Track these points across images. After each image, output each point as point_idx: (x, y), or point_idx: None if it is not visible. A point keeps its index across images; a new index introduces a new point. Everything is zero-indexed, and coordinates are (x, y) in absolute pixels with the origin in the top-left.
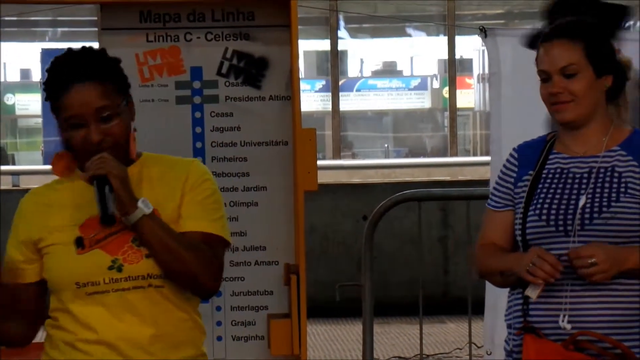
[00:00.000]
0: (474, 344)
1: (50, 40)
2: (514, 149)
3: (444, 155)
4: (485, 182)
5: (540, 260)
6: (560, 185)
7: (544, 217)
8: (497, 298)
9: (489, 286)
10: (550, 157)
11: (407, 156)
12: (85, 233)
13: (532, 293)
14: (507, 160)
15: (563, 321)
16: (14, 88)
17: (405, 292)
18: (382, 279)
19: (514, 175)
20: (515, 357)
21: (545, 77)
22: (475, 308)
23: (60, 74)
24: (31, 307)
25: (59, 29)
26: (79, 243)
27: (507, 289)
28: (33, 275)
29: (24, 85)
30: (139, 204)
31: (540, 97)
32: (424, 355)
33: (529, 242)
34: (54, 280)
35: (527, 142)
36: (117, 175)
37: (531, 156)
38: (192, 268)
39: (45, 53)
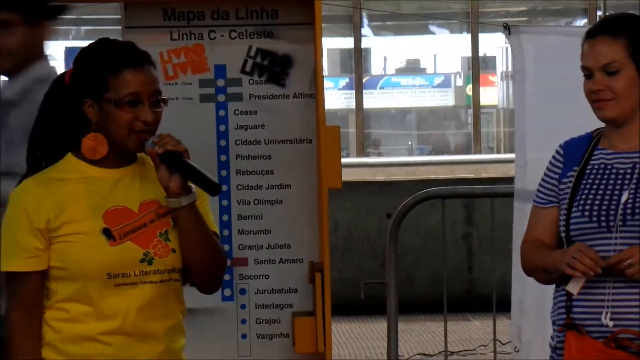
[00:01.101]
0: (499, 341)
1: (74, 38)
2: (560, 146)
3: (468, 152)
4: (509, 180)
5: (580, 254)
6: (604, 181)
7: (586, 213)
8: (523, 296)
9: (515, 284)
10: (595, 153)
11: (430, 154)
12: (111, 224)
13: (573, 288)
14: (553, 157)
15: (605, 318)
16: None
17: (429, 290)
18: (406, 276)
19: (559, 171)
20: (559, 353)
21: (587, 73)
22: (499, 305)
23: (116, 54)
24: (35, 296)
25: (83, 28)
26: (108, 234)
27: (533, 286)
28: (44, 263)
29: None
30: (192, 188)
31: (584, 93)
32: (448, 352)
33: (573, 239)
34: (79, 270)
35: (573, 138)
36: (187, 154)
37: (576, 152)
38: (217, 263)
39: (69, 51)
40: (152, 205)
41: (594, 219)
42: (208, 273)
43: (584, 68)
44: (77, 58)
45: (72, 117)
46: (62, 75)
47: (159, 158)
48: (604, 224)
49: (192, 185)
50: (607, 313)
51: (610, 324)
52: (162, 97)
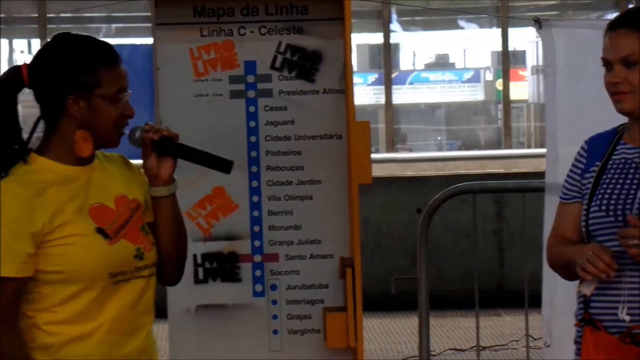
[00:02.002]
0: (531, 336)
1: (105, 36)
2: (585, 141)
3: (498, 147)
4: (540, 175)
5: (594, 257)
6: (623, 176)
7: (603, 208)
8: (553, 291)
9: (545, 279)
10: (618, 147)
11: (460, 149)
12: (100, 223)
13: (586, 289)
14: (578, 152)
15: (622, 312)
16: None
17: (459, 285)
18: (436, 272)
19: (582, 166)
20: (578, 347)
21: (607, 65)
22: (531, 301)
23: (103, 51)
24: (17, 301)
25: (113, 25)
26: (104, 233)
27: (564, 282)
28: (32, 270)
29: None
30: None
31: (604, 85)
32: (480, 347)
33: (592, 234)
34: (81, 272)
35: (599, 133)
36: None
37: (600, 147)
38: (184, 250)
39: None
40: (123, 200)
41: (611, 213)
42: (181, 262)
43: (604, 60)
44: (48, 55)
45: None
46: (15, 72)
47: (152, 145)
48: (620, 218)
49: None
50: (623, 308)
51: (627, 318)
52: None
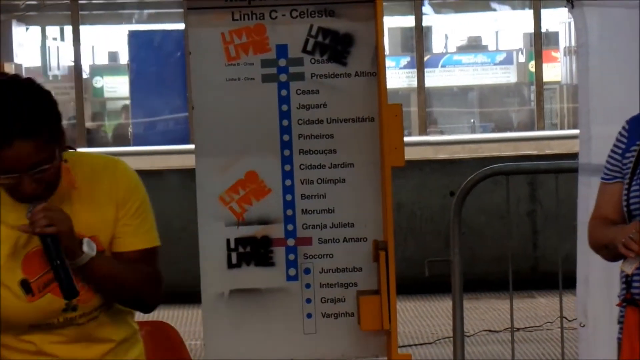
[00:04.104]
0: (565, 317)
1: (137, 22)
2: (626, 121)
3: (531, 129)
4: (573, 156)
5: (637, 234)
6: None
7: None
8: (588, 271)
9: (580, 259)
10: None
11: (493, 131)
12: (29, 273)
13: (628, 267)
14: (619, 132)
15: None
16: (103, 71)
17: (493, 267)
18: (470, 254)
19: (623, 146)
20: (621, 327)
21: None
22: (565, 282)
23: None
24: None
25: (145, 11)
26: (27, 287)
27: (599, 262)
28: None
29: (112, 67)
30: (84, 247)
31: None
32: (514, 329)
33: (633, 213)
34: (2, 322)
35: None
36: (65, 230)
37: None
38: (138, 293)
39: (132, 35)
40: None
41: None
42: (130, 303)
43: None
44: None
45: None
46: None
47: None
48: None
49: (85, 242)
50: None
51: None
52: (43, 168)
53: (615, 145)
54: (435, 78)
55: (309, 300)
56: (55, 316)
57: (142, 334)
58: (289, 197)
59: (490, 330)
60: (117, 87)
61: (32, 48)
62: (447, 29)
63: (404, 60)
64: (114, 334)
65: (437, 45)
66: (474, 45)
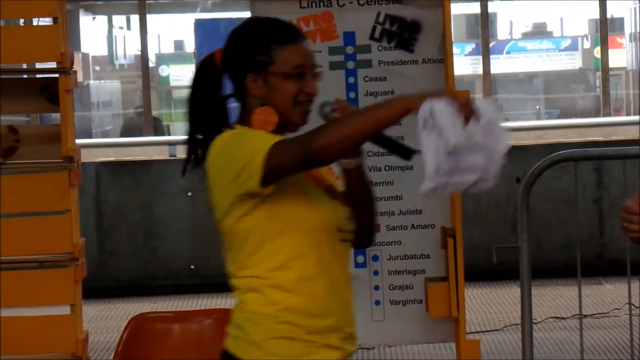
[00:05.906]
0: (633, 304)
1: (202, 11)
2: None
3: (597, 115)
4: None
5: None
6: None
7: None
8: None
9: None
10: None
11: (559, 117)
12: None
13: None
14: None
15: None
16: (168, 60)
17: (560, 254)
18: (536, 241)
19: None
20: None
21: None
22: (633, 269)
23: (279, 29)
24: None
25: (210, 0)
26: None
27: None
28: None
29: (177, 56)
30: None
31: None
32: (582, 315)
33: None
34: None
35: None
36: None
37: None
38: (374, 218)
39: (198, 24)
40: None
41: None
42: (370, 228)
43: None
44: (233, 37)
45: (225, 97)
46: (210, 58)
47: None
48: None
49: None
50: None
51: None
52: (318, 71)
53: None
54: (500, 65)
55: (377, 288)
56: (347, 223)
57: (211, 322)
58: None
59: (557, 317)
60: (183, 76)
61: (99, 37)
62: (512, 16)
63: (469, 47)
64: None
65: (502, 31)
66: (538, 32)
